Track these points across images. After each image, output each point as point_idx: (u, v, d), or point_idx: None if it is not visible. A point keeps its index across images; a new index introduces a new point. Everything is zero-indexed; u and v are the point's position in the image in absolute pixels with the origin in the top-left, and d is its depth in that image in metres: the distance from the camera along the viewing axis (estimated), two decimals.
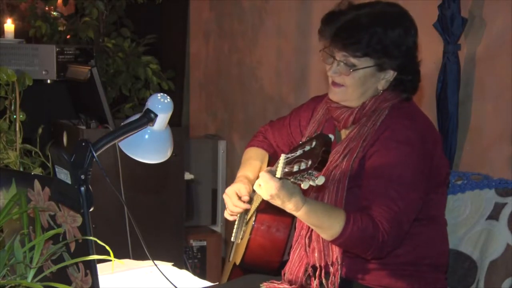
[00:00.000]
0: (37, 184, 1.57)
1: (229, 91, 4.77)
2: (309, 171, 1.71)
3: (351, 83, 2.11)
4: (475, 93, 2.84)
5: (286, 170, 1.78)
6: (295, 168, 1.74)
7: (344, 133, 2.20)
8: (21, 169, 2.39)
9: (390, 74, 2.13)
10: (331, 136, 1.72)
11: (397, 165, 2.02)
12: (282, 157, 1.81)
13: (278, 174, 1.82)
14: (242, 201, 2.27)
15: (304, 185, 1.75)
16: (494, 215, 2.21)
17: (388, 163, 2.03)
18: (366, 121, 2.12)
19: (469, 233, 2.26)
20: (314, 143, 1.72)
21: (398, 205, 1.98)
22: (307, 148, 1.73)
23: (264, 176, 1.86)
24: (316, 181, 1.72)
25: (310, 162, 1.70)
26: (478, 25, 2.80)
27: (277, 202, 1.89)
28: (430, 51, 2.99)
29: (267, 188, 1.86)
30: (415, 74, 2.19)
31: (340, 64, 2.10)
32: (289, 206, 1.89)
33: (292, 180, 1.79)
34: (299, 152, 1.75)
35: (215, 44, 4.95)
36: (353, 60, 2.09)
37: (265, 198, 1.91)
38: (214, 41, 4.97)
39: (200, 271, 4.04)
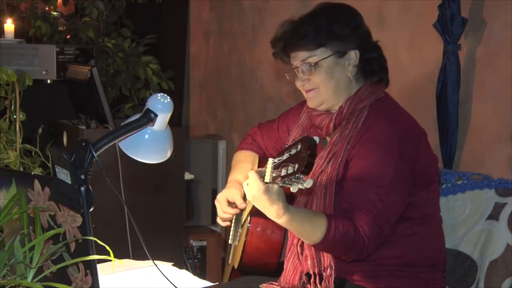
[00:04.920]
0: (37, 184, 1.57)
1: (229, 91, 4.77)
2: (297, 175, 1.71)
3: (321, 81, 2.12)
4: (475, 93, 2.84)
5: (274, 174, 1.78)
6: (283, 172, 1.74)
7: (329, 139, 2.20)
8: (21, 169, 2.39)
9: (353, 57, 2.13)
10: (316, 138, 1.72)
11: (376, 168, 2.01)
12: (270, 162, 1.82)
13: (267, 179, 1.82)
14: (235, 206, 2.27)
15: (293, 189, 1.75)
16: (494, 215, 2.21)
17: (368, 165, 2.02)
18: (347, 123, 2.12)
19: (469, 233, 2.26)
20: (299, 146, 1.72)
21: (378, 208, 1.98)
22: (293, 151, 1.73)
23: (252, 176, 1.86)
24: (305, 184, 1.72)
25: (296, 166, 1.70)
26: (478, 25, 2.80)
27: (259, 205, 1.89)
28: (430, 51, 3.00)
29: (252, 188, 1.86)
30: (378, 50, 2.19)
31: (303, 68, 2.13)
32: (270, 212, 1.89)
33: (281, 184, 1.79)
34: (285, 156, 1.75)
35: (215, 44, 4.95)
36: (311, 59, 2.11)
37: (248, 198, 1.92)
38: (214, 41, 4.97)
39: (200, 271, 4.04)
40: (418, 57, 3.09)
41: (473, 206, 2.27)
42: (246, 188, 1.90)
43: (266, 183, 1.83)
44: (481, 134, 2.81)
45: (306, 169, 1.69)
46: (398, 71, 3.16)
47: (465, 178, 2.33)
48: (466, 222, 2.28)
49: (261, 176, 1.85)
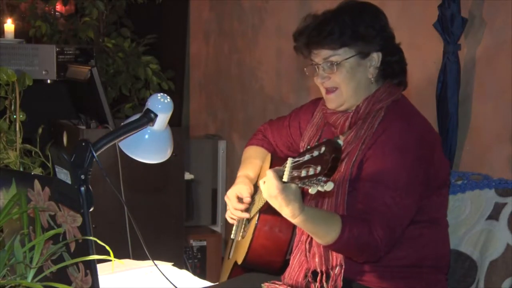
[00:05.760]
0: (37, 184, 1.57)
1: (229, 91, 4.77)
2: (318, 177, 1.69)
3: (341, 80, 2.11)
4: (475, 93, 2.84)
5: (294, 174, 1.77)
6: (303, 173, 1.72)
7: (342, 137, 2.19)
8: (21, 169, 2.39)
9: (376, 59, 2.12)
10: (341, 142, 1.71)
11: (392, 170, 2.01)
12: (289, 161, 1.80)
13: (285, 178, 1.81)
14: (243, 202, 2.28)
15: (312, 190, 1.74)
16: (494, 215, 2.21)
17: (384, 167, 2.02)
18: (363, 123, 2.11)
19: (469, 233, 2.26)
20: (323, 149, 1.70)
21: (392, 211, 1.98)
22: (316, 153, 1.71)
23: (270, 175, 1.85)
24: (325, 187, 1.71)
25: (319, 168, 1.68)
26: (478, 25, 2.80)
27: (274, 204, 1.89)
28: (430, 51, 3.00)
29: (269, 187, 1.85)
30: (400, 53, 2.18)
31: (324, 66, 2.11)
32: (285, 212, 1.88)
33: (300, 185, 1.78)
34: (307, 157, 1.73)
35: (215, 44, 4.95)
36: (333, 58, 2.10)
37: (264, 197, 1.91)
38: (214, 41, 4.97)
39: (200, 271, 4.04)
40: (418, 57, 3.09)
41: (473, 206, 2.27)
42: (263, 186, 1.89)
43: (284, 182, 1.82)
44: (481, 134, 2.81)
45: (329, 172, 1.67)
46: None
47: (465, 178, 2.33)
48: (466, 222, 2.28)
49: (279, 175, 1.84)
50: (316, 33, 2.11)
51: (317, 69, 2.14)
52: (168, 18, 5.05)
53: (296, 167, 1.77)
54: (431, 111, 2.88)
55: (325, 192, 1.76)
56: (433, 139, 2.13)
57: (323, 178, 1.69)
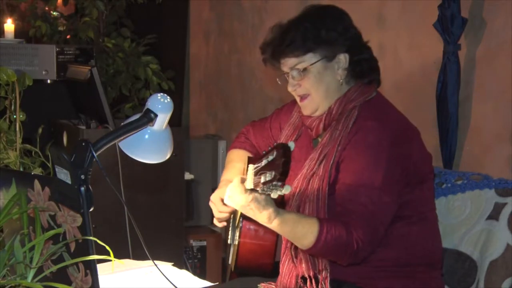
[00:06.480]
0: (37, 184, 1.57)
1: (229, 91, 4.78)
2: (274, 182, 1.70)
3: (311, 85, 2.12)
4: (475, 93, 2.84)
5: (256, 181, 1.78)
6: (262, 179, 1.73)
7: (320, 139, 2.19)
8: (21, 169, 2.39)
9: (343, 60, 2.12)
10: (291, 145, 1.71)
11: (367, 169, 2.01)
12: (250, 168, 1.81)
13: (249, 185, 1.82)
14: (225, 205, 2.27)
15: (273, 195, 1.75)
16: (494, 215, 2.21)
17: (359, 168, 2.02)
18: (337, 124, 2.11)
19: (469, 233, 2.26)
20: (275, 153, 1.72)
21: (371, 211, 1.97)
22: (270, 158, 1.73)
23: (236, 184, 1.85)
24: (283, 191, 1.71)
25: (273, 174, 1.70)
26: (478, 25, 2.80)
27: (248, 213, 1.89)
28: (430, 51, 3.00)
29: (238, 198, 1.85)
30: (368, 51, 2.18)
31: (292, 73, 2.13)
32: (261, 218, 1.89)
33: (260, 191, 1.78)
34: (263, 162, 1.75)
35: (215, 44, 4.95)
36: (300, 65, 2.11)
37: (236, 208, 1.92)
38: (214, 41, 4.97)
39: (200, 271, 4.04)
40: (418, 57, 3.09)
41: (473, 206, 2.27)
42: (229, 200, 1.89)
43: (248, 190, 1.82)
44: (481, 134, 2.82)
45: (282, 177, 1.68)
46: (398, 71, 3.16)
47: (465, 178, 2.33)
48: (466, 222, 2.27)
49: (244, 183, 1.84)
50: (279, 43, 2.13)
51: (287, 78, 2.15)
52: (168, 18, 5.05)
53: (256, 173, 1.77)
54: (431, 111, 2.88)
55: (285, 195, 1.76)
56: (409, 135, 2.11)
57: (279, 183, 1.70)
